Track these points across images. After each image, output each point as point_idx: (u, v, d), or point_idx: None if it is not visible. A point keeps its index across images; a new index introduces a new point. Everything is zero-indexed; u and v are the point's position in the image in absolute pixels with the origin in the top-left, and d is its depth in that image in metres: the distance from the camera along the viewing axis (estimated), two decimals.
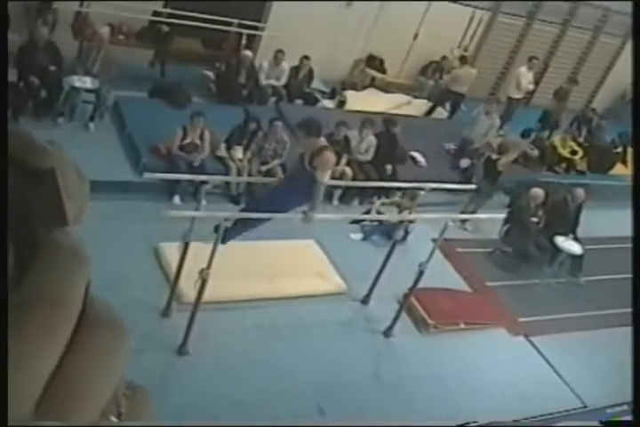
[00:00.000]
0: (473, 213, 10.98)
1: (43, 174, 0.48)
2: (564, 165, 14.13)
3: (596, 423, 7.82)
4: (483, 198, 11.43)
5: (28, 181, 0.48)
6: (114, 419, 0.51)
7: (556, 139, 14.35)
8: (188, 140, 9.90)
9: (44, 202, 0.48)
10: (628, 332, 9.91)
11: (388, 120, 11.71)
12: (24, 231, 0.46)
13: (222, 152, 10.38)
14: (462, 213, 10.95)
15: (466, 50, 14.93)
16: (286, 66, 12.90)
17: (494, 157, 11.67)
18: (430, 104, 14.60)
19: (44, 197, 0.48)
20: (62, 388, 0.45)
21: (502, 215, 9.98)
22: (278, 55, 12.75)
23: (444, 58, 14.84)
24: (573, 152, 14.25)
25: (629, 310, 10.42)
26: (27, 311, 0.44)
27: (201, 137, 9.98)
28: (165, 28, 12.51)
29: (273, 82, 12.89)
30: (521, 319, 9.64)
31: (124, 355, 0.49)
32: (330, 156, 6.90)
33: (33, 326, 0.44)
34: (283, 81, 12.99)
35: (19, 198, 0.47)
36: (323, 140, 6.97)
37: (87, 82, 10.58)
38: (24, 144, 0.49)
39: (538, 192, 10.82)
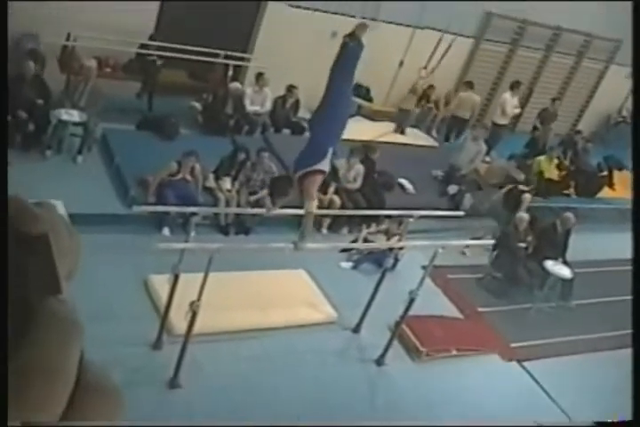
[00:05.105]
0: (480, 238, 11.09)
1: (35, 240, 0.48)
2: (550, 190, 14.17)
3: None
4: (499, 225, 11.65)
5: (21, 246, 0.48)
6: None
7: (542, 161, 14.37)
8: (179, 176, 9.89)
9: (38, 269, 0.48)
10: (620, 355, 9.93)
11: (367, 147, 11.80)
12: (18, 297, 0.47)
13: (211, 183, 10.39)
14: (472, 238, 11.06)
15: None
16: (268, 91, 12.98)
17: (521, 188, 11.88)
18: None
19: (37, 263, 0.48)
20: None
21: (491, 241, 10.03)
22: (259, 79, 12.86)
23: (430, 87, 14.92)
24: (560, 176, 14.31)
25: (621, 332, 10.46)
26: (25, 380, 0.45)
27: (192, 173, 9.99)
28: (152, 60, 12.57)
29: (258, 108, 12.95)
30: (513, 344, 9.63)
31: (118, 420, 0.49)
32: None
33: (31, 395, 0.45)
34: (268, 106, 13.05)
35: (13, 264, 0.47)
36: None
37: (75, 115, 10.60)
38: (16, 210, 0.49)
39: (523, 217, 10.93)
